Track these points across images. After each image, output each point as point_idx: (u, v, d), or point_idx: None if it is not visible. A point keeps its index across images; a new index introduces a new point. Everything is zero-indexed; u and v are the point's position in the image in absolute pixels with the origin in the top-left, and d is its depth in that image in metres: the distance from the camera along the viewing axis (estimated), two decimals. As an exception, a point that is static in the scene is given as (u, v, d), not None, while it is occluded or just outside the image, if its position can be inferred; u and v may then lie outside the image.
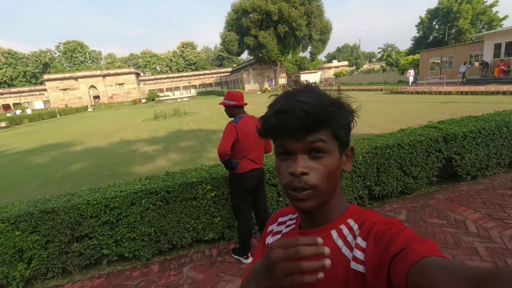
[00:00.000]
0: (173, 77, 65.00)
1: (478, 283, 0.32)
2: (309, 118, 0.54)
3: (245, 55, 65.88)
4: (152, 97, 54.90)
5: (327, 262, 0.43)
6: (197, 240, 3.44)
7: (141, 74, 66.81)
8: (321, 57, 53.17)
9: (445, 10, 32.99)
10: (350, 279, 0.53)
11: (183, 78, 65.17)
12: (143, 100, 54.52)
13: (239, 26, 42.68)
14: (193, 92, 61.29)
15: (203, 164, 3.82)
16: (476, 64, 19.14)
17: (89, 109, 48.59)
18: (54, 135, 17.34)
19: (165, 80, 64.04)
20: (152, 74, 74.87)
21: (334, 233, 0.60)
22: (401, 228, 0.51)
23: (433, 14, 35.07)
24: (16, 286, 2.88)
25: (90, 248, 3.05)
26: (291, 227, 0.70)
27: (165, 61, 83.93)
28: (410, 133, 4.19)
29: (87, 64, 77.83)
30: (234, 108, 2.67)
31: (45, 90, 54.05)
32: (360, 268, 0.52)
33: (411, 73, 23.76)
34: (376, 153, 3.78)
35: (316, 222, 0.63)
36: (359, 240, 0.55)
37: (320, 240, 0.45)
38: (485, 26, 32.48)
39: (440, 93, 16.06)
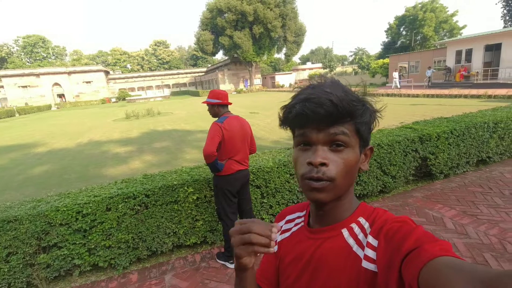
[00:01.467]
0: (145, 76, 62.85)
1: (491, 284, 0.31)
2: (335, 109, 0.53)
3: (220, 55, 65.44)
4: (123, 96, 52.72)
5: (271, 250, 0.53)
6: (178, 246, 3.28)
7: (111, 72, 63.86)
8: (295, 58, 54.01)
9: (411, 17, 34.93)
10: (361, 278, 0.52)
11: (156, 77, 63.23)
12: (113, 99, 52.18)
13: (214, 25, 42.23)
14: (166, 92, 59.71)
15: (183, 166, 3.66)
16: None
17: (53, 108, 45.65)
18: (13, 135, 16.03)
19: (136, 79, 61.75)
20: (122, 72, 71.87)
21: (345, 232, 0.59)
22: (413, 226, 0.50)
23: (400, 20, 36.98)
24: (-29, 305, 2.57)
25: (60, 259, 2.79)
26: (299, 225, 0.70)
27: (137, 59, 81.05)
28: (388, 134, 4.30)
29: (50, 60, 73.09)
30: (219, 107, 2.56)
31: (1, 87, 50.00)
32: (371, 267, 0.51)
33: (395, 75, 21.11)
34: (357, 153, 3.82)
35: (326, 220, 0.62)
36: (370, 239, 0.54)
37: (275, 229, 0.54)
38: (447, 33, 34.83)
39: (409, 95, 16.89)
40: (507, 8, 32.20)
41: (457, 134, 4.39)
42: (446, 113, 7.01)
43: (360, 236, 0.57)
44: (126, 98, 49.51)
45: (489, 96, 13.10)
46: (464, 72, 18.32)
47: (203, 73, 64.27)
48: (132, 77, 61.83)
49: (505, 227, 2.91)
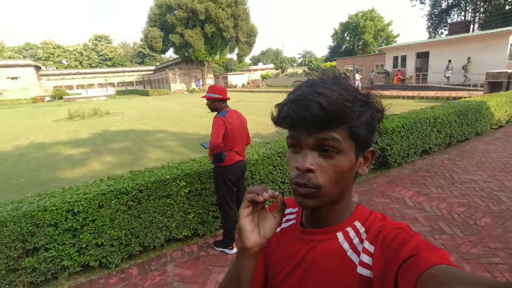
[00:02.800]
0: (85, 73, 57.66)
1: None
2: (323, 113, 0.50)
3: (169, 53, 63.14)
4: (59, 95, 47.64)
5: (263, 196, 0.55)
6: (168, 240, 3.30)
7: (43, 67, 57.25)
8: (246, 59, 54.80)
9: (354, 24, 38.20)
10: (356, 284, 0.51)
11: (98, 75, 58.44)
12: (47, 98, 46.89)
13: (163, 22, 40.68)
14: (111, 90, 55.63)
15: (169, 162, 3.67)
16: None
17: (-30, 108, 39.34)
18: None
19: (75, 76, 56.30)
20: (57, 68, 64.91)
21: (340, 236, 0.57)
22: (411, 234, 0.49)
23: (344, 27, 40.14)
24: None
25: (47, 261, 2.64)
26: (291, 222, 0.68)
27: (74, 55, 73.81)
28: (353, 128, 4.83)
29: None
30: (219, 102, 2.70)
31: None
32: (367, 273, 0.51)
33: (357, 77, 20.34)
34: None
35: (320, 222, 0.60)
36: (367, 244, 0.53)
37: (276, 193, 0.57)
38: (384, 41, 38.89)
39: (354, 96, 18.46)
40: (430, 21, 37.08)
41: (407, 128, 5.11)
42: (392, 110, 7.96)
43: (355, 241, 0.56)
44: (63, 97, 44.92)
45: (422, 97, 15.08)
46: (400, 76, 20.71)
47: (151, 72, 61.33)
48: (69, 74, 56.22)
49: (451, 202, 3.57)
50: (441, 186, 4.07)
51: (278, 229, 0.68)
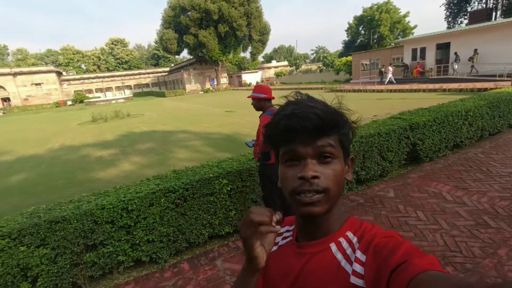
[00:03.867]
0: (104, 77, 59.38)
1: None
2: (321, 122, 0.55)
3: (184, 54, 63.94)
4: (79, 99, 49.32)
5: (277, 227, 0.55)
6: (211, 237, 3.43)
7: (64, 73, 59.35)
8: (259, 57, 54.78)
9: (368, 17, 37.43)
10: None
11: (116, 78, 60.05)
12: (69, 102, 48.63)
13: (177, 24, 41.28)
14: (128, 93, 57.02)
15: (208, 160, 3.80)
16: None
17: (-1, 114, 41.34)
18: (-35, 144, 14.44)
19: (94, 80, 58.08)
20: (77, 73, 67.10)
21: (333, 247, 0.59)
22: (400, 241, 0.51)
23: (359, 20, 39.41)
24: (20, 310, 2.52)
25: (105, 256, 2.82)
26: (288, 239, 0.69)
27: (92, 59, 76.03)
28: (383, 123, 4.81)
29: (-11, 60, 65.88)
30: (265, 101, 2.78)
31: None
32: (359, 282, 0.51)
33: (390, 70, 20.31)
34: (362, 142, 4.26)
35: (314, 234, 0.61)
36: (359, 254, 0.54)
37: (276, 215, 0.57)
38: (401, 33, 37.92)
39: (373, 91, 18.22)
40: (449, 11, 35.83)
41: (438, 122, 5.04)
42: (414, 105, 7.82)
43: (349, 251, 0.57)
44: (84, 101, 46.46)
45: (444, 90, 14.67)
46: (419, 69, 20.19)
47: (166, 73, 62.39)
48: (88, 78, 58.05)
49: (492, 195, 3.52)
50: (479, 180, 4.01)
51: (276, 248, 0.68)
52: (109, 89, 58.73)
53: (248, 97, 2.87)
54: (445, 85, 15.38)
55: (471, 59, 16.98)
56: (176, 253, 3.21)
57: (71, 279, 2.73)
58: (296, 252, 0.63)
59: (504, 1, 31.45)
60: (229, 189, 3.31)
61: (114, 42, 77.69)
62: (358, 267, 0.53)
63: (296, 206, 0.57)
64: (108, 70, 73.13)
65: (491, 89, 11.34)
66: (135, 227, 2.89)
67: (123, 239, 2.86)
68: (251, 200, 3.48)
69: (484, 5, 33.45)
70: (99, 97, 52.96)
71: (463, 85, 14.56)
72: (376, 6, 37.46)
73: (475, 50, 16.87)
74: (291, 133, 0.56)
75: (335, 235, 0.60)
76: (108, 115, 19.48)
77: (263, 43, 44.02)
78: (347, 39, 42.92)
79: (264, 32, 42.86)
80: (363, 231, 0.58)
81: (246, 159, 3.69)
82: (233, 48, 42.84)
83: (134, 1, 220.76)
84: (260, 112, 2.83)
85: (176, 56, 63.95)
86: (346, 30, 42.01)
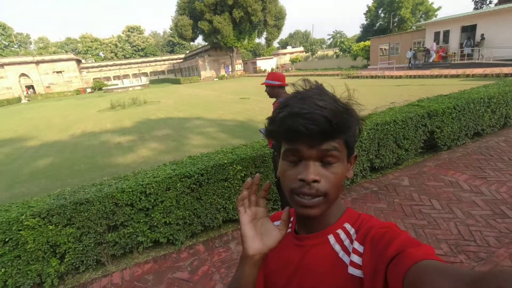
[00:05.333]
0: (121, 64, 60.36)
1: (474, 285, 0.32)
2: (329, 126, 0.52)
3: (198, 41, 63.78)
4: (98, 86, 50.56)
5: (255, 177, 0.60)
6: (225, 221, 3.55)
7: (83, 60, 60.73)
8: (274, 43, 53.89)
9: (389, -1, 35.79)
10: (348, 285, 0.53)
11: (132, 65, 60.93)
12: (88, 90, 49.97)
13: (192, 10, 41.03)
14: (144, 80, 57.85)
15: (223, 147, 3.88)
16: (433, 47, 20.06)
17: (23, 101, 43.10)
18: (-6, 130, 15.25)
19: (111, 68, 59.20)
20: (95, 61, 68.56)
21: (331, 238, 0.59)
22: (398, 232, 0.51)
23: (379, 3, 37.78)
24: (50, 283, 2.74)
25: (126, 237, 2.99)
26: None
27: (109, 47, 77.30)
28: (400, 111, 4.70)
29: (13, 49, 68.13)
30: (278, 89, 2.80)
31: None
32: (357, 273, 0.52)
33: (434, 47, 19.59)
34: (377, 129, 4.20)
35: (312, 227, 0.62)
36: (356, 245, 0.54)
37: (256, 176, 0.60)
38: (423, 15, 36.11)
39: (392, 77, 17.64)
40: (477, -10, 33.67)
41: (459, 110, 4.87)
42: (432, 92, 7.52)
43: (346, 242, 0.57)
44: (102, 88, 47.58)
45: (467, 76, 14.02)
46: (442, 53, 19.29)
47: (181, 60, 62.64)
48: (106, 66, 59.21)
49: (512, 185, 3.43)
50: (499, 169, 3.89)
51: None
52: (126, 76, 59.77)
53: (262, 84, 2.88)
54: (468, 71, 14.66)
55: (477, 44, 17.20)
56: (192, 236, 3.35)
57: (95, 257, 2.93)
58: (295, 244, 0.64)
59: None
60: (243, 175, 3.38)
61: (131, 30, 78.38)
62: (355, 258, 0.53)
63: (294, 205, 0.57)
64: (125, 57, 74.21)
65: (519, 74, 10.73)
66: (153, 209, 3.03)
67: (142, 221, 3.01)
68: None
69: (517, -16, 31.15)
70: (117, 84, 54.05)
71: (488, 70, 13.81)
72: (397, -13, 35.67)
73: (482, 34, 17.21)
74: (295, 134, 0.53)
75: (333, 227, 0.60)
76: (126, 102, 19.93)
77: (279, 28, 43.14)
78: (365, 23, 41.35)
79: (280, 17, 41.91)
80: (360, 222, 0.58)
81: (260, 145, 3.74)
82: (248, 34, 42.27)
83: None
84: (274, 99, 2.85)
85: (191, 43, 63.98)
86: (364, 14, 40.45)
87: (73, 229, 2.75)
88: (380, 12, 38.79)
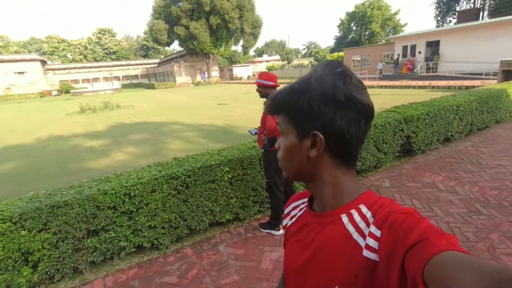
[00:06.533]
0: (91, 67, 57.96)
1: (500, 282, 0.31)
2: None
3: (174, 46, 62.85)
4: (65, 89, 47.98)
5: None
6: (211, 224, 3.46)
7: (48, 62, 57.46)
8: (250, 51, 54.45)
9: (360, 14, 37.73)
10: (362, 267, 0.52)
11: (103, 68, 58.68)
12: (54, 93, 47.26)
13: (168, 14, 40.52)
14: (116, 84, 55.81)
15: (208, 149, 3.81)
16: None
17: (-21, 103, 39.75)
18: None
19: (80, 70, 56.61)
20: (62, 62, 65.08)
21: (344, 218, 0.59)
22: (418, 218, 0.49)
23: (351, 16, 39.66)
24: (21, 295, 2.49)
25: (107, 242, 2.81)
26: (303, 210, 0.72)
27: (78, 49, 73.85)
28: (379, 116, 4.91)
29: (-31, 47, 63.09)
30: (271, 89, 2.80)
31: None
32: (373, 256, 0.51)
33: (418, 58, 20.54)
34: (359, 133, 4.34)
35: (324, 206, 0.63)
36: (373, 229, 0.53)
37: None
38: (391, 30, 38.38)
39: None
40: (438, 9, 36.43)
41: (431, 116, 5.18)
42: (403, 101, 7.94)
43: (362, 224, 0.56)
44: (70, 91, 45.22)
45: (433, 87, 15.00)
46: (409, 66, 20.52)
47: (156, 65, 61.33)
48: (75, 68, 56.57)
49: (483, 185, 3.67)
50: (470, 171, 4.16)
51: (294, 220, 0.73)
52: (96, 79, 57.34)
53: (254, 83, 2.88)
54: (434, 82, 15.72)
55: (432, 59, 18.84)
56: (177, 240, 3.23)
57: (72, 264, 2.72)
58: (312, 220, 0.65)
59: (491, 2, 32.20)
60: (230, 176, 3.33)
61: (102, 32, 75.60)
62: (372, 242, 0.52)
63: None
64: (96, 60, 71.23)
65: (478, 87, 11.68)
66: (137, 213, 2.89)
67: (125, 224, 2.86)
68: (251, 188, 3.51)
69: (472, 5, 34.17)
70: (86, 87, 51.69)
71: (451, 83, 14.91)
72: (368, 3, 37.75)
73: (433, 52, 19.16)
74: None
75: (346, 207, 0.59)
76: (97, 106, 19.09)
77: (255, 36, 43.74)
78: (338, 34, 43.14)
79: (256, 25, 42.57)
80: (379, 206, 0.56)
81: (246, 147, 3.71)
82: (225, 40, 42.41)
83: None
84: (264, 99, 2.85)
85: (166, 48, 63.03)
86: (338, 26, 42.23)
87: (48, 234, 2.54)
88: (352, 25, 40.73)
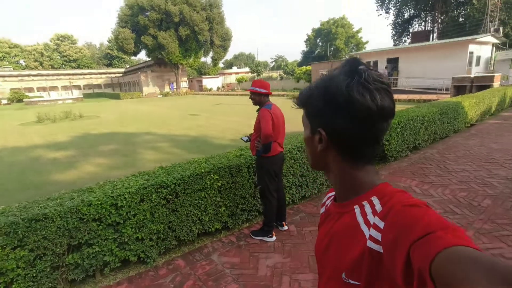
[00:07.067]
0: (48, 75, 54.21)
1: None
2: (298, 101, 0.69)
3: (141, 55, 61.12)
4: (17, 98, 44.31)
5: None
6: (200, 234, 3.35)
7: (-2, 68, 52.90)
8: (220, 63, 54.65)
9: (325, 30, 39.89)
10: (366, 256, 0.53)
11: (62, 77, 55.23)
12: (4, 101, 43.44)
13: (135, 23, 39.53)
14: (76, 93, 52.69)
15: (194, 158, 3.72)
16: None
17: None
18: None
19: (35, 78, 52.69)
20: (14, 69, 60.16)
21: (357, 209, 0.60)
22: (424, 210, 0.48)
23: (317, 33, 41.74)
24: (-11, 322, 2.21)
25: (90, 257, 2.60)
26: (331, 199, 0.76)
27: (33, 55, 68.84)
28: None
29: None
30: (264, 96, 2.83)
31: None
32: (376, 247, 0.51)
33: (385, 73, 24.07)
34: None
35: (340, 197, 0.67)
36: (377, 220, 0.53)
37: None
38: (354, 47, 40.94)
39: (332, 99, 19.30)
40: (394, 30, 39.68)
41: (402, 125, 5.55)
42: None
43: (369, 216, 0.57)
44: (23, 100, 41.80)
45: (395, 100, 16.12)
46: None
47: (121, 74, 59.09)
48: (29, 75, 52.53)
49: (453, 188, 3.99)
50: (439, 175, 4.50)
51: (323, 209, 0.78)
52: (54, 88, 53.75)
53: (248, 90, 2.90)
54: (395, 96, 16.85)
55: (392, 74, 20.98)
56: (165, 252, 3.08)
57: (50, 284, 2.47)
58: (333, 210, 0.70)
59: (439, 26, 35.78)
60: (219, 184, 3.28)
61: (61, 38, 71.37)
62: (374, 232, 0.53)
63: None
64: (53, 67, 66.80)
65: (434, 100, 12.77)
66: (124, 224, 2.72)
67: (110, 237, 2.67)
68: (240, 196, 3.48)
69: (423, 28, 37.70)
70: (42, 96, 48.13)
71: (411, 97, 16.16)
72: (332, 21, 40.05)
73: (393, 68, 21.31)
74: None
75: (360, 198, 0.61)
76: (56, 116, 17.84)
77: (225, 48, 44.08)
78: (305, 49, 45.07)
79: (226, 38, 42.99)
80: (389, 198, 0.56)
81: (233, 155, 3.69)
82: (194, 52, 42.22)
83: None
84: (257, 107, 2.88)
85: (132, 58, 61.07)
86: (305, 41, 44.22)
87: (25, 251, 2.30)
88: (318, 41, 42.80)
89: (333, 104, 0.59)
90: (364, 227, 0.57)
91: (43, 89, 52.56)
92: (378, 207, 0.56)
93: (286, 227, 3.24)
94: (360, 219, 0.59)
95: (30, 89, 51.48)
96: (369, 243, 0.53)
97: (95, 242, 2.61)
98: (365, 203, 0.60)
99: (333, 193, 0.77)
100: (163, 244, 3.00)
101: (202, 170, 3.16)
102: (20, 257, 2.28)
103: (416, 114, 5.96)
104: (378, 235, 0.52)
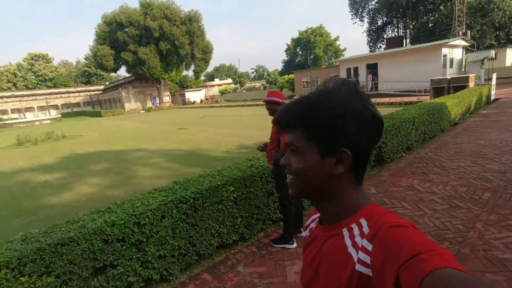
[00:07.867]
0: (22, 96, 52.37)
1: None
2: (283, 119, 0.63)
3: (120, 72, 60.24)
4: (-9, 121, 42.41)
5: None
6: (218, 247, 3.34)
7: (-32, 91, 50.57)
8: (201, 76, 54.72)
9: (304, 40, 41.08)
10: (354, 280, 0.52)
11: (38, 97, 53.48)
12: (-24, 125, 41.36)
13: (114, 40, 39.14)
14: (54, 113, 51.08)
15: (206, 171, 3.73)
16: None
17: None
18: None
19: (9, 99, 50.78)
20: (-15, 91, 57.64)
21: (345, 232, 0.59)
22: (411, 232, 0.49)
23: (296, 42, 42.92)
24: None
25: (115, 279, 2.55)
26: (316, 222, 0.73)
27: (6, 76, 66.33)
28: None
29: None
30: (281, 106, 2.92)
31: None
32: (365, 270, 0.51)
33: (370, 78, 22.88)
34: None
35: (328, 219, 0.65)
36: (365, 242, 0.53)
37: None
38: (333, 54, 42.29)
39: (317, 105, 19.75)
40: (370, 37, 41.38)
41: (396, 127, 5.79)
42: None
43: (357, 238, 0.56)
44: (-3, 123, 40.04)
45: (378, 103, 16.71)
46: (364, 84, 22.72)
47: (100, 92, 57.89)
48: (2, 97, 50.56)
49: (453, 184, 4.20)
50: (438, 173, 4.72)
51: (307, 232, 0.76)
52: (29, 109, 51.85)
53: (266, 100, 2.98)
54: (378, 99, 17.56)
55: (369, 79, 21.89)
56: (186, 267, 3.05)
57: (76, 311, 2.39)
58: (319, 233, 0.67)
59: (411, 31, 37.65)
60: (235, 196, 3.31)
61: (35, 58, 69.29)
62: (362, 255, 0.52)
63: None
64: (27, 88, 64.51)
65: (415, 102, 13.36)
66: (146, 242, 2.69)
67: (134, 257, 2.63)
68: (255, 205, 3.52)
69: (396, 33, 39.55)
70: (17, 118, 46.30)
71: (393, 99, 16.82)
72: (310, 30, 41.29)
73: (372, 72, 22.19)
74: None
75: (349, 221, 0.60)
76: (38, 137, 17.21)
77: (206, 61, 44.30)
78: (286, 58, 46.08)
79: (207, 51, 43.26)
80: (377, 219, 0.56)
81: (245, 166, 3.74)
82: (176, 66, 42.15)
83: (57, 14, 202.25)
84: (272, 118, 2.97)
85: (112, 74, 60.13)
86: (285, 51, 45.21)
87: (51, 278, 2.23)
88: (298, 50, 43.91)
89: (362, 123, 0.58)
90: (352, 250, 0.56)
91: (18, 110, 50.60)
92: (366, 229, 0.56)
93: (303, 233, 3.28)
94: (348, 241, 0.58)
95: (4, 112, 49.55)
96: (358, 267, 0.52)
97: (119, 263, 2.56)
98: (353, 225, 0.58)
99: (317, 215, 0.74)
100: (184, 259, 2.98)
101: (218, 183, 3.18)
102: (47, 284, 2.21)
103: (407, 116, 6.24)
104: (367, 258, 0.51)
